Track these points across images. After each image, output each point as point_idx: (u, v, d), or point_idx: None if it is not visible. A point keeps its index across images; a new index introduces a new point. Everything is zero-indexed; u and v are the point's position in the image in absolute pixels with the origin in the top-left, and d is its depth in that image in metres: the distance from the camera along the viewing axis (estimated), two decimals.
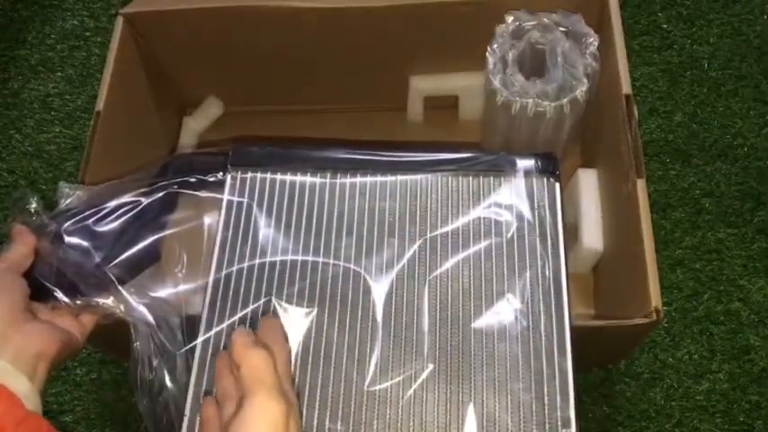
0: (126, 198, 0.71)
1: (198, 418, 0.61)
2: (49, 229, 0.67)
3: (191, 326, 0.66)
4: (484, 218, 0.70)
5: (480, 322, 0.64)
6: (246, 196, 0.72)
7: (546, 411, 0.60)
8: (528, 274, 0.66)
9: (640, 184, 0.76)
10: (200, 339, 0.65)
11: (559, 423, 0.60)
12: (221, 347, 0.65)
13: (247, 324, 0.65)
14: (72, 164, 1.14)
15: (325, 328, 0.65)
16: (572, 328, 0.64)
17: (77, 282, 0.64)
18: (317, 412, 0.61)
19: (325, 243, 0.69)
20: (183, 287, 0.68)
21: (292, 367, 0.61)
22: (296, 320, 0.65)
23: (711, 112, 1.11)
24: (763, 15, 1.19)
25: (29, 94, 1.22)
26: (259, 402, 0.51)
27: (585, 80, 0.86)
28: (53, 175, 1.14)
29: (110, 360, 0.99)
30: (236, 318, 0.65)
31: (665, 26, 1.19)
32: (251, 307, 0.66)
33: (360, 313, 0.65)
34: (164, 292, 0.68)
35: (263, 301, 0.66)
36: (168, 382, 0.63)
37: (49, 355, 0.58)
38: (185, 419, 0.62)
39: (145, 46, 0.97)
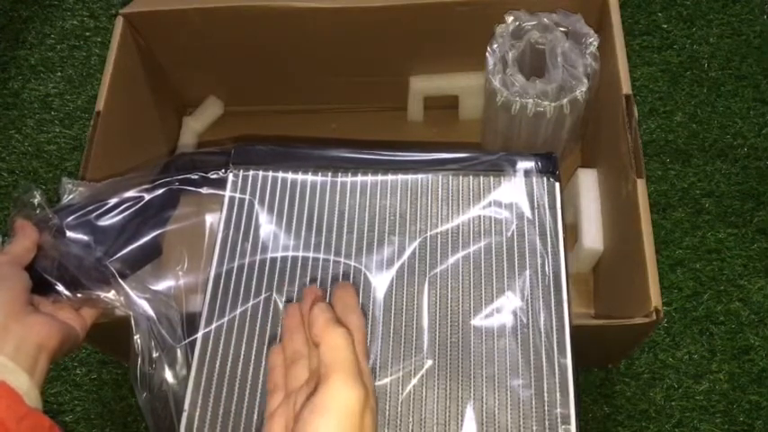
0: (128, 194, 0.72)
1: (197, 412, 0.62)
2: (52, 223, 0.67)
3: (190, 323, 0.66)
4: (484, 216, 0.70)
5: (480, 319, 0.64)
6: (248, 193, 0.72)
7: (546, 408, 0.60)
8: (528, 272, 0.66)
9: (640, 184, 0.76)
10: (200, 333, 0.65)
11: (559, 420, 0.60)
12: (221, 342, 0.65)
13: (248, 319, 0.65)
14: (72, 164, 1.15)
15: None
16: (572, 326, 0.64)
17: (79, 275, 0.65)
18: None
19: (325, 240, 0.69)
20: (183, 283, 0.68)
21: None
22: None
23: (711, 112, 1.11)
24: (763, 15, 1.19)
25: (29, 94, 1.22)
26: (335, 388, 0.48)
27: (585, 80, 0.86)
28: (53, 175, 1.14)
29: (110, 360, 0.99)
30: (236, 313, 0.66)
31: (665, 26, 1.19)
32: (251, 302, 0.66)
33: None
34: (164, 287, 0.68)
35: (263, 296, 0.66)
36: (168, 376, 0.63)
37: (50, 347, 0.58)
38: (184, 414, 0.62)
39: (145, 46, 0.98)
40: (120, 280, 0.65)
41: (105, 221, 0.70)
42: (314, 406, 0.47)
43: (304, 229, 0.70)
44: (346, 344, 0.50)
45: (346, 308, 0.56)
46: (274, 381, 0.55)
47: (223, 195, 0.72)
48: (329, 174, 0.73)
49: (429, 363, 0.63)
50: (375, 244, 0.69)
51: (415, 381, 0.62)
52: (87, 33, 1.27)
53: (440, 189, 0.72)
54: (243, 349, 0.64)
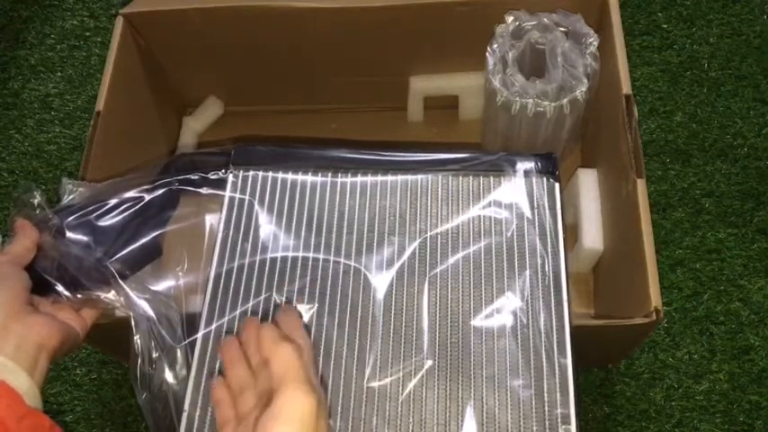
0: (128, 194, 0.72)
1: (197, 412, 0.62)
2: (52, 223, 0.67)
3: (190, 323, 0.66)
4: (484, 217, 0.70)
5: (480, 320, 0.64)
6: (248, 194, 0.72)
7: (546, 408, 0.60)
8: (528, 272, 0.66)
9: (640, 184, 0.76)
10: (200, 333, 0.65)
11: (559, 420, 0.60)
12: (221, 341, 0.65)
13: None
14: (72, 164, 1.15)
15: (324, 324, 0.65)
16: (572, 326, 0.64)
17: (79, 276, 0.65)
18: None
19: (325, 240, 0.69)
20: (183, 284, 0.69)
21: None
22: None
23: (711, 112, 1.11)
24: (763, 15, 1.19)
25: (29, 94, 1.22)
26: (291, 397, 0.50)
27: (585, 80, 0.86)
28: (53, 175, 1.14)
29: (110, 360, 0.99)
30: (236, 313, 0.66)
31: (665, 26, 1.19)
32: (251, 303, 0.66)
33: (360, 310, 0.65)
34: (164, 288, 0.68)
35: (263, 296, 0.66)
36: (168, 377, 0.63)
37: (51, 347, 0.58)
38: (184, 414, 0.62)
39: (145, 46, 0.98)
40: (120, 280, 0.65)
41: (105, 222, 0.70)
42: (271, 414, 0.49)
43: (304, 229, 0.70)
44: (296, 356, 0.53)
45: (292, 330, 0.58)
46: (223, 414, 0.56)
47: (223, 196, 0.72)
48: (329, 174, 0.73)
49: (429, 363, 0.63)
50: (375, 244, 0.69)
51: (415, 381, 0.62)
52: (87, 33, 1.27)
53: (440, 189, 0.72)
54: None
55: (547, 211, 0.70)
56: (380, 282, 0.67)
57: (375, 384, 0.62)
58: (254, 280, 0.67)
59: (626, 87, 0.81)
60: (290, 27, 0.93)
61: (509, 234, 0.69)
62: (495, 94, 0.88)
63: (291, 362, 0.52)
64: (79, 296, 0.64)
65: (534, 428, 0.60)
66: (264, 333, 0.55)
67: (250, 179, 0.73)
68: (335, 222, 0.70)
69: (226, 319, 0.65)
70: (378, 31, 0.94)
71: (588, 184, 0.91)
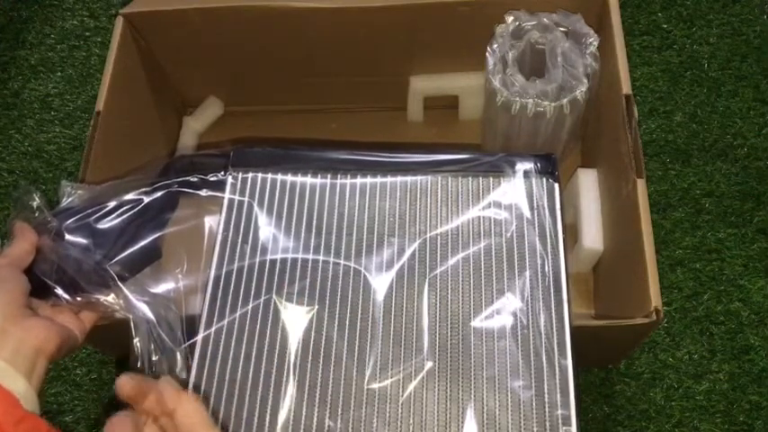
0: (127, 197, 0.71)
1: None
2: (51, 226, 0.67)
3: (190, 326, 0.66)
4: (483, 217, 0.70)
5: (480, 321, 0.64)
6: (247, 196, 0.72)
7: (546, 409, 0.60)
8: (528, 273, 0.66)
9: (640, 184, 0.76)
10: (200, 336, 0.65)
11: (560, 421, 0.60)
12: (221, 345, 0.65)
13: (248, 322, 0.65)
14: (72, 164, 1.14)
15: (325, 325, 0.65)
16: (572, 327, 0.64)
17: (78, 279, 0.64)
18: (316, 410, 0.61)
19: (325, 242, 0.69)
20: (183, 286, 0.69)
21: (291, 365, 0.63)
22: (296, 318, 0.65)
23: (711, 112, 1.11)
24: (763, 15, 1.19)
25: (29, 94, 1.22)
26: None
27: (585, 80, 0.86)
28: (53, 175, 1.14)
29: (110, 360, 0.99)
30: (236, 315, 0.66)
31: (665, 26, 1.19)
32: (251, 304, 0.66)
33: (360, 311, 0.65)
34: (164, 290, 0.68)
35: (263, 298, 0.66)
36: None
37: (49, 351, 0.58)
38: None
39: (145, 46, 0.98)
40: (119, 283, 0.65)
41: (104, 224, 0.69)
42: None
43: (303, 230, 0.70)
44: (201, 406, 0.55)
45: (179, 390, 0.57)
46: None
47: (222, 197, 0.72)
48: (328, 175, 0.73)
49: (429, 364, 0.63)
50: (375, 245, 0.69)
51: (415, 382, 0.62)
52: (87, 33, 1.27)
53: (439, 190, 0.72)
54: (243, 351, 0.64)
55: (546, 212, 0.70)
56: (380, 283, 0.67)
57: (375, 386, 0.62)
58: (254, 282, 0.67)
59: (626, 87, 0.81)
60: (290, 27, 0.93)
61: (509, 235, 0.69)
62: (495, 94, 0.87)
63: (198, 411, 0.54)
64: (78, 299, 0.64)
65: (535, 429, 0.60)
66: (164, 384, 0.56)
67: (249, 181, 0.73)
68: (335, 224, 0.70)
69: (225, 321, 0.65)
70: (378, 31, 0.94)
71: (588, 184, 0.91)
